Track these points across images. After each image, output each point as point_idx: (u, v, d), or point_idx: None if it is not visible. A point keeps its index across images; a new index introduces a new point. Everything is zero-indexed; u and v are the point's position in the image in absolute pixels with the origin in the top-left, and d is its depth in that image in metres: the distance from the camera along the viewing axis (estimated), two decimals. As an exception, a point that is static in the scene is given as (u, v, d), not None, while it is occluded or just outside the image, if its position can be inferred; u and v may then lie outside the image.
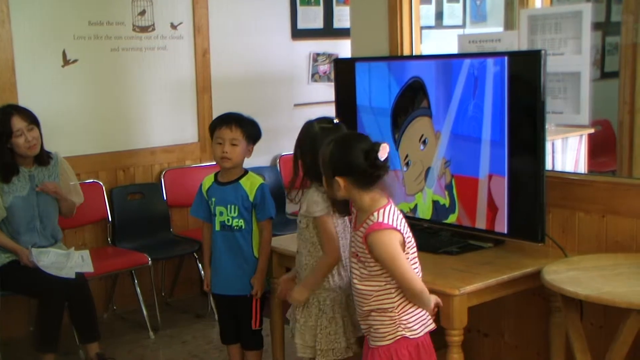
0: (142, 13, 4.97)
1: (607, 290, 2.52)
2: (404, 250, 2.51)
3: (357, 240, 2.58)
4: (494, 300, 2.94)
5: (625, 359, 2.67)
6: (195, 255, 4.82)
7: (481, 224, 3.14)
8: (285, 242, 3.46)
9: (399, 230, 2.50)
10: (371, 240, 2.49)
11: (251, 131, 3.37)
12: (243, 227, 3.35)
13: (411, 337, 2.58)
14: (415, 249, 2.60)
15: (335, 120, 2.99)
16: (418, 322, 2.60)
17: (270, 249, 3.39)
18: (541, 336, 3.28)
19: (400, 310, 2.57)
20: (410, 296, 2.55)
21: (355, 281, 2.61)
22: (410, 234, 2.58)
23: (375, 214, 2.50)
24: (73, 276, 3.84)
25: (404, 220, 2.56)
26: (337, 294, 2.94)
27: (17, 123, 3.90)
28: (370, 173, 2.51)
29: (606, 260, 2.89)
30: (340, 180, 2.53)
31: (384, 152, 2.50)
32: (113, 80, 4.91)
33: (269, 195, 3.37)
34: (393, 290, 2.55)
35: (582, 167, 3.78)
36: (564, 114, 3.23)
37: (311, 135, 2.89)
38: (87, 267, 3.98)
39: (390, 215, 2.51)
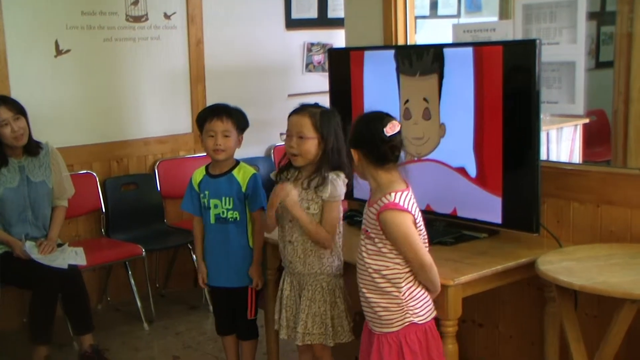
0: (135, 3, 4.94)
1: (601, 280, 2.52)
2: None
3: (370, 217, 2.57)
4: (488, 290, 2.95)
5: (619, 348, 2.68)
6: (190, 246, 4.79)
7: (476, 214, 3.14)
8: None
9: (412, 214, 2.51)
10: (384, 218, 2.50)
11: (241, 121, 3.35)
12: (238, 218, 3.33)
13: (419, 322, 2.58)
14: (425, 238, 2.61)
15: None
16: (425, 307, 2.60)
17: (263, 239, 3.37)
18: (536, 326, 3.28)
19: (408, 295, 2.56)
20: (420, 272, 2.54)
21: (363, 255, 2.60)
22: (422, 225, 2.59)
23: (393, 194, 2.51)
24: (65, 266, 3.83)
25: (418, 210, 2.57)
26: (338, 279, 2.98)
27: (3, 113, 3.87)
28: (378, 147, 2.51)
29: (601, 250, 2.89)
30: (354, 153, 2.58)
31: (390, 128, 2.50)
32: (106, 70, 4.88)
33: (260, 185, 3.34)
34: (402, 273, 2.54)
35: (576, 157, 3.78)
36: (558, 104, 3.22)
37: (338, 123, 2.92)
38: (81, 260, 3.97)
39: (407, 200, 2.52)
